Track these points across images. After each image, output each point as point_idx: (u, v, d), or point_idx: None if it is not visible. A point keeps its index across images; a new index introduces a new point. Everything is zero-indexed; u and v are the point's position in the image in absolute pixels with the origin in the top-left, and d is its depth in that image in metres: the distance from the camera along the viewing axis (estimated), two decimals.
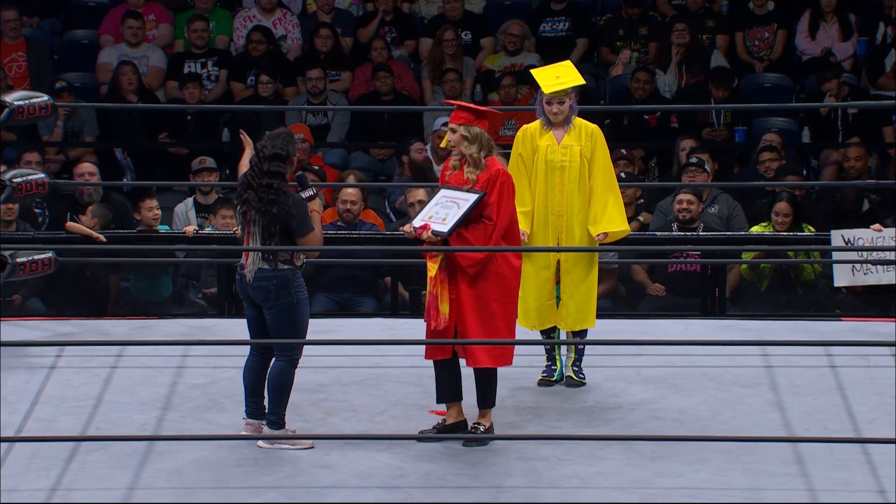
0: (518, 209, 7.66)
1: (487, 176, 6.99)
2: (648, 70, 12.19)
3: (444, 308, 6.95)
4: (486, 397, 7.07)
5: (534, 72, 7.82)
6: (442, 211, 6.97)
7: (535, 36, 12.82)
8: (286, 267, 6.90)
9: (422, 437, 7.00)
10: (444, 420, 7.09)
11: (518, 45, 12.65)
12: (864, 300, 9.72)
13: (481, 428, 7.04)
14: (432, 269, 6.97)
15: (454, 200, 6.98)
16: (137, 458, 6.83)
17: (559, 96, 7.64)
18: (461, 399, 7.09)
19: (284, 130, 7.05)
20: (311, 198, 6.96)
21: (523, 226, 7.66)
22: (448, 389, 7.06)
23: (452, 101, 7.21)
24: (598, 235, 7.67)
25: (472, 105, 7.11)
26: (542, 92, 7.67)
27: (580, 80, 7.72)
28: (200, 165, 10.86)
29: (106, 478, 6.65)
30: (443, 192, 7.04)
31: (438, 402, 7.09)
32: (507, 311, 7.03)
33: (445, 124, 7.37)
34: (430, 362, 7.09)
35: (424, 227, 6.95)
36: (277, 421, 6.97)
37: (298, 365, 7.01)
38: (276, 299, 6.90)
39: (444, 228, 6.92)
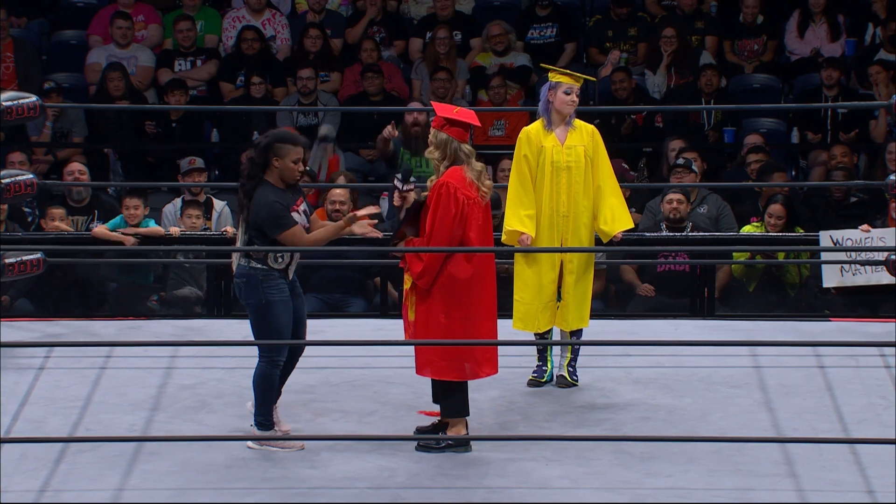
0: (522, 212, 7.67)
1: (435, 185, 6.96)
2: (626, 70, 12.21)
3: (413, 316, 6.98)
4: (450, 407, 7.01)
5: (547, 66, 7.90)
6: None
7: (522, 41, 12.82)
8: (259, 266, 6.88)
9: (417, 438, 6.99)
10: (439, 420, 7.08)
11: (504, 44, 12.65)
12: (852, 301, 9.74)
13: (439, 433, 7.00)
14: (408, 281, 6.98)
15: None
16: (126, 459, 6.82)
17: (579, 85, 7.70)
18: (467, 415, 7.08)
19: (273, 133, 7.02)
20: (404, 189, 6.94)
21: (528, 229, 7.66)
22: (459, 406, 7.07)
23: (436, 104, 7.16)
24: (615, 235, 7.72)
25: (447, 112, 7.02)
26: (554, 84, 7.69)
27: (589, 77, 8.02)
28: (190, 166, 10.86)
29: (95, 479, 6.64)
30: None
31: (453, 416, 7.05)
32: (456, 324, 6.92)
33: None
34: None
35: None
36: (264, 422, 6.97)
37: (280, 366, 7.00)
38: (246, 298, 6.91)
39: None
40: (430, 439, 6.94)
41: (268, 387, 6.94)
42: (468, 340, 6.92)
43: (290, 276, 6.95)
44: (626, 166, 11.52)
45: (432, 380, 7.07)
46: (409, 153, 11.11)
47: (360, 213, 6.97)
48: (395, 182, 6.96)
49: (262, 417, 6.97)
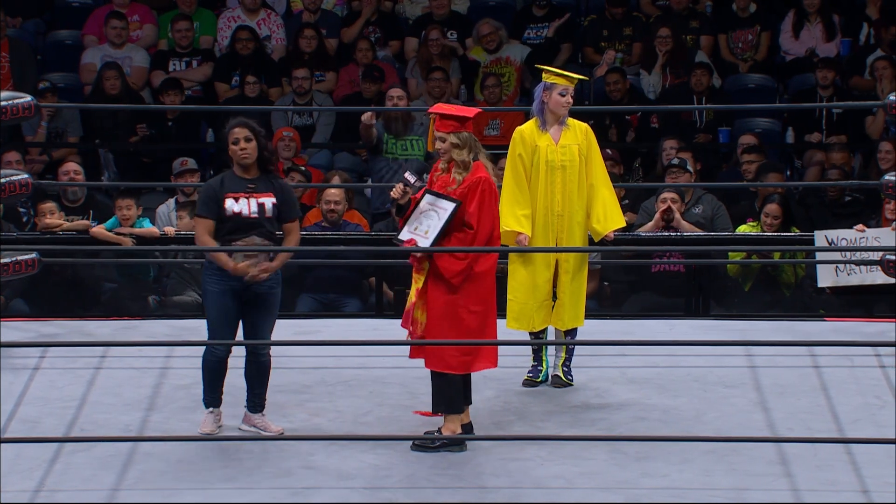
0: (518, 212, 7.67)
1: (470, 181, 6.99)
2: (619, 70, 12.22)
3: (422, 317, 6.97)
4: (444, 402, 7.01)
5: (541, 67, 7.89)
6: (425, 222, 6.99)
7: (519, 40, 12.84)
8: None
9: (414, 438, 6.98)
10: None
11: (496, 42, 12.66)
12: (847, 300, 9.74)
13: (435, 433, 6.99)
14: (419, 280, 6.96)
15: (435, 209, 6.98)
16: (121, 459, 6.81)
17: (574, 85, 7.71)
18: (470, 403, 7.08)
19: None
20: (414, 184, 7.00)
21: (524, 229, 7.65)
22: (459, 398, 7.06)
23: (436, 111, 7.13)
24: (608, 234, 7.73)
25: (455, 111, 7.06)
26: (549, 85, 7.69)
27: (583, 77, 8.03)
28: (182, 167, 10.85)
29: (90, 479, 6.64)
30: (427, 197, 7.03)
31: (446, 412, 7.05)
32: (478, 319, 6.97)
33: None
34: (416, 363, 7.08)
35: (411, 242, 6.96)
36: (203, 400, 7.11)
37: (272, 360, 7.12)
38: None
39: (427, 243, 6.94)
40: (426, 439, 6.93)
41: (204, 371, 7.09)
42: (478, 341, 6.94)
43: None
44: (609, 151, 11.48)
45: (434, 378, 7.05)
46: (394, 137, 11.07)
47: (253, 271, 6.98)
48: (407, 175, 6.98)
49: (203, 395, 7.12)
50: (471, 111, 7.07)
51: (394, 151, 11.02)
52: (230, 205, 6.93)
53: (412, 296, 6.99)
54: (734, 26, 12.81)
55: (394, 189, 7.04)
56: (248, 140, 6.98)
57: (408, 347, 7.08)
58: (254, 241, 6.90)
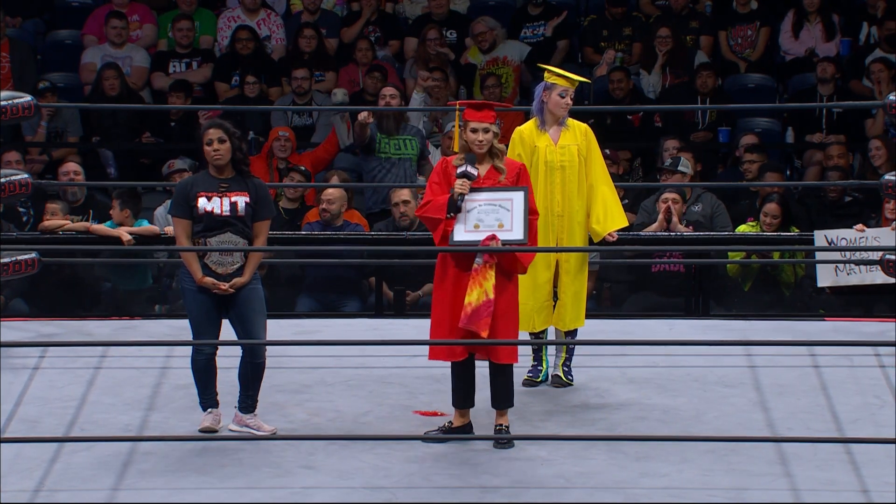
0: None
1: (517, 170, 7.04)
2: (624, 69, 12.22)
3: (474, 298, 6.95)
4: (511, 395, 7.07)
5: (543, 66, 7.89)
6: (487, 217, 6.94)
7: (517, 39, 12.84)
8: None
9: (426, 438, 6.99)
10: (451, 422, 7.07)
11: (490, 41, 12.66)
12: (847, 300, 9.75)
13: (505, 428, 7.03)
14: (491, 277, 6.91)
15: (494, 203, 6.93)
16: (121, 458, 6.82)
17: (574, 87, 7.72)
18: (473, 405, 7.09)
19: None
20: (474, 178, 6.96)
21: None
22: (467, 394, 7.05)
23: (486, 102, 7.16)
24: (608, 235, 7.72)
25: (492, 102, 7.18)
26: (549, 85, 7.69)
27: (584, 79, 8.02)
28: (169, 169, 10.87)
29: (90, 479, 6.64)
30: (475, 195, 6.92)
31: (455, 405, 7.07)
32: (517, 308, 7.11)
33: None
34: (416, 363, 7.09)
35: (492, 238, 6.88)
36: (200, 403, 7.14)
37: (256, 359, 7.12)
38: None
39: (519, 235, 6.88)
40: (501, 438, 6.92)
41: (195, 372, 7.10)
42: (476, 338, 6.94)
43: (219, 271, 6.99)
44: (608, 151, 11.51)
45: (501, 374, 7.04)
46: (386, 136, 11.05)
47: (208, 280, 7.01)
48: (469, 169, 6.95)
49: (199, 398, 7.15)
50: (496, 104, 7.23)
51: (386, 151, 11.00)
52: (202, 203, 6.98)
53: (488, 292, 6.87)
54: (734, 22, 12.83)
55: (459, 185, 6.92)
56: (221, 141, 7.03)
57: (406, 348, 7.08)
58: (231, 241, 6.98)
